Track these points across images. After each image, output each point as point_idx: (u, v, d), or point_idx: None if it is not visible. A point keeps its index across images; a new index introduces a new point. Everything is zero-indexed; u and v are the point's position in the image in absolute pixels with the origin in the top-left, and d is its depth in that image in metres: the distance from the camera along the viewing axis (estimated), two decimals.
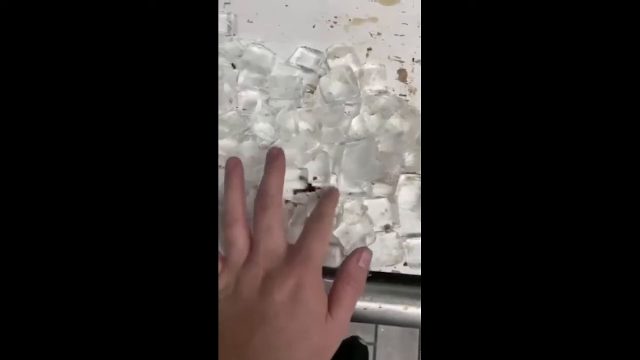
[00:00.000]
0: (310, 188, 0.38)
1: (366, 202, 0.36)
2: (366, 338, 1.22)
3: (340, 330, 0.31)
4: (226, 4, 0.40)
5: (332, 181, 0.37)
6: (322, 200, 0.35)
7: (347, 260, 0.33)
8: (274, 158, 0.34)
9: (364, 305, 0.36)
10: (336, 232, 0.37)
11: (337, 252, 0.37)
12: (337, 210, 0.36)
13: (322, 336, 0.30)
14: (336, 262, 0.37)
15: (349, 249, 0.36)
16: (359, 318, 0.35)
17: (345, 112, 0.38)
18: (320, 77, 0.39)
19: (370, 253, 0.33)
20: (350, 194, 0.37)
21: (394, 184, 0.37)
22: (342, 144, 0.37)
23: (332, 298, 0.31)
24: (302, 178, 0.38)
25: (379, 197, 0.37)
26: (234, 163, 0.34)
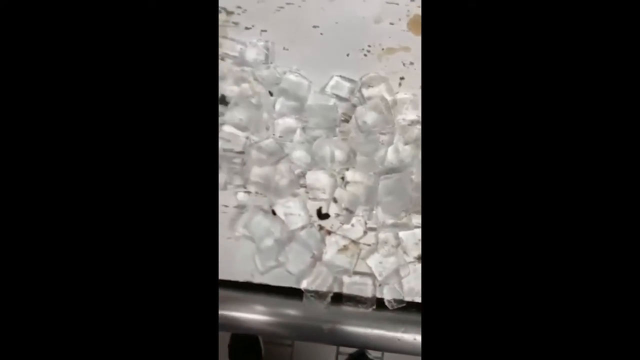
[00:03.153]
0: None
1: (401, 234, 0.37)
2: (373, 352, 1.22)
3: None
4: (262, 31, 0.40)
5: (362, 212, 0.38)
6: None
7: None
8: None
9: (397, 335, 0.36)
10: (369, 261, 0.37)
11: (369, 281, 0.37)
12: (371, 239, 0.37)
13: None
14: (367, 291, 0.37)
15: (381, 279, 0.36)
16: (393, 349, 0.36)
17: (379, 142, 0.38)
18: (354, 105, 0.39)
19: None
20: (385, 224, 0.37)
21: None
22: (376, 173, 0.38)
23: None
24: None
25: (416, 227, 0.37)
26: None
